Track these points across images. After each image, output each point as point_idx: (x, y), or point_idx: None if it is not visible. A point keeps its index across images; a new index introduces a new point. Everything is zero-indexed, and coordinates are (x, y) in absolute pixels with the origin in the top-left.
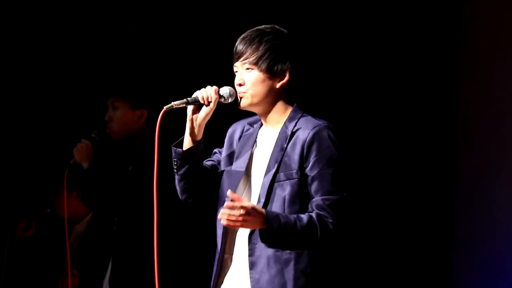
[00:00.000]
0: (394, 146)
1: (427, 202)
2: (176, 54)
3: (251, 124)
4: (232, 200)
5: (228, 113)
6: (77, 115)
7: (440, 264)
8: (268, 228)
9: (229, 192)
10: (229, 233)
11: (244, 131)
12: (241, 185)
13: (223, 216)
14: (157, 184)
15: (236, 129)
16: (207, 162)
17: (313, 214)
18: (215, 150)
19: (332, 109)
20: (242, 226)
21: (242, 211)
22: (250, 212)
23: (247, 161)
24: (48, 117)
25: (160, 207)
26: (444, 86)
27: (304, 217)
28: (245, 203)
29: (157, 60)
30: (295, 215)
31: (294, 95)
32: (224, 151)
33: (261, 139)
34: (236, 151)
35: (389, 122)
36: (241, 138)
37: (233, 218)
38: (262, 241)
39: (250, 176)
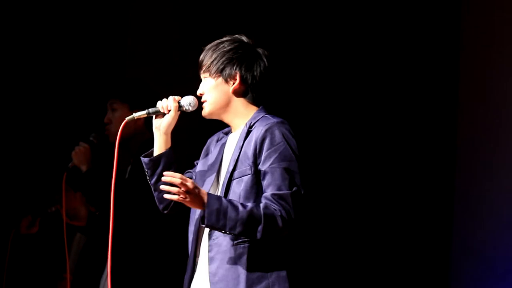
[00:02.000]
0: (393, 146)
1: (426, 202)
2: (175, 54)
3: (226, 133)
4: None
5: (208, 124)
6: (78, 116)
7: (439, 263)
8: (208, 207)
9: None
10: (201, 237)
11: (218, 140)
12: (212, 191)
13: (165, 184)
14: (114, 190)
15: (212, 140)
16: (187, 174)
17: (261, 204)
18: (196, 162)
19: (330, 108)
20: (183, 200)
21: (179, 180)
22: (189, 186)
23: (217, 168)
24: (51, 116)
25: (138, 216)
26: (443, 85)
27: (250, 204)
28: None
29: (155, 61)
30: (240, 202)
31: (261, 99)
32: (200, 161)
33: (229, 144)
34: (209, 160)
35: (388, 122)
36: (215, 148)
37: (175, 188)
38: (202, 222)
39: (219, 180)
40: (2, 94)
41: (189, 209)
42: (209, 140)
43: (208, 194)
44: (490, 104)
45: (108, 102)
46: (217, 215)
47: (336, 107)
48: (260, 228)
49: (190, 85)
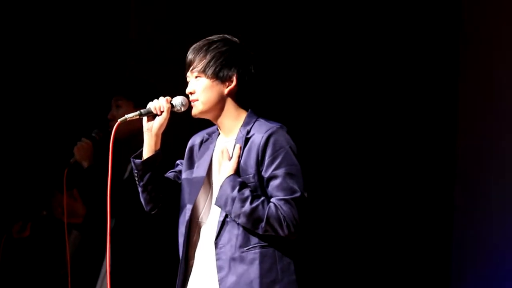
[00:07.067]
0: (393, 145)
1: (426, 201)
2: (179, 52)
3: (209, 134)
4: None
5: (190, 124)
6: (79, 115)
7: (439, 263)
8: (221, 189)
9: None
10: (192, 239)
11: (204, 141)
12: (203, 194)
13: None
14: (110, 192)
15: (195, 140)
16: (170, 174)
17: (270, 202)
18: (178, 161)
19: (330, 107)
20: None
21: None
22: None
23: (206, 169)
24: (48, 117)
25: (127, 217)
26: (443, 84)
27: (259, 201)
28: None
29: (160, 59)
30: (254, 194)
31: (249, 100)
32: (185, 162)
33: (219, 147)
34: (196, 161)
35: (387, 122)
36: (201, 148)
37: None
38: (217, 198)
39: (212, 184)
40: (3, 94)
41: (178, 209)
42: (191, 141)
43: (230, 175)
44: (490, 102)
45: (113, 99)
46: (225, 200)
47: (335, 107)
48: (262, 225)
49: None
